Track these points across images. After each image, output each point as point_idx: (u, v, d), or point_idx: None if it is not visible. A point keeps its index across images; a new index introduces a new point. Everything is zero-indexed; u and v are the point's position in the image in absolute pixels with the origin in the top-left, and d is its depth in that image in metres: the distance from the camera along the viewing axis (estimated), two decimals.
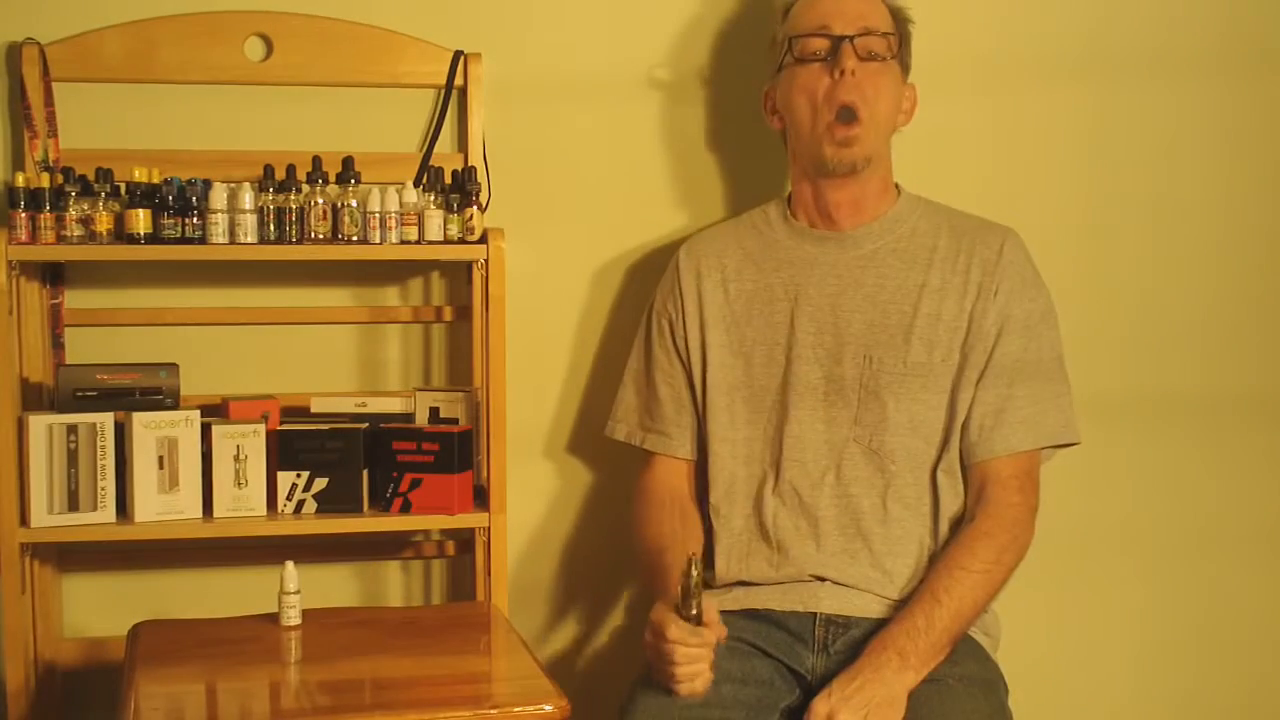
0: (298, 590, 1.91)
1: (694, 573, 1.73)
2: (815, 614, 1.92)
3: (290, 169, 2.04)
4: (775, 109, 2.05)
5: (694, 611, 1.75)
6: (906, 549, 1.94)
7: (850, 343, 1.97)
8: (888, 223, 2.00)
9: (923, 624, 1.83)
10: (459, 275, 2.23)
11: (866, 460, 1.96)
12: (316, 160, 2.05)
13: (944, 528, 1.96)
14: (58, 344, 2.11)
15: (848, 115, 1.94)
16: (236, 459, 2.02)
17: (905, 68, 2.04)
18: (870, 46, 1.96)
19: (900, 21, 2.03)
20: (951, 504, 1.96)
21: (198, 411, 2.03)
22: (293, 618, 1.91)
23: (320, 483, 2.05)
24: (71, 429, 1.97)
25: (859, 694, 1.77)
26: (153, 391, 2.02)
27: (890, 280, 1.97)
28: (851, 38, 1.95)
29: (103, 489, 1.99)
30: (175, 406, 2.02)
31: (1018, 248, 1.99)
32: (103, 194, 2.00)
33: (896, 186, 2.05)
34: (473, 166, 2.14)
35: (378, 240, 2.04)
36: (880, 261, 1.99)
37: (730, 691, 1.84)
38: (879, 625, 1.87)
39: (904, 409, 1.95)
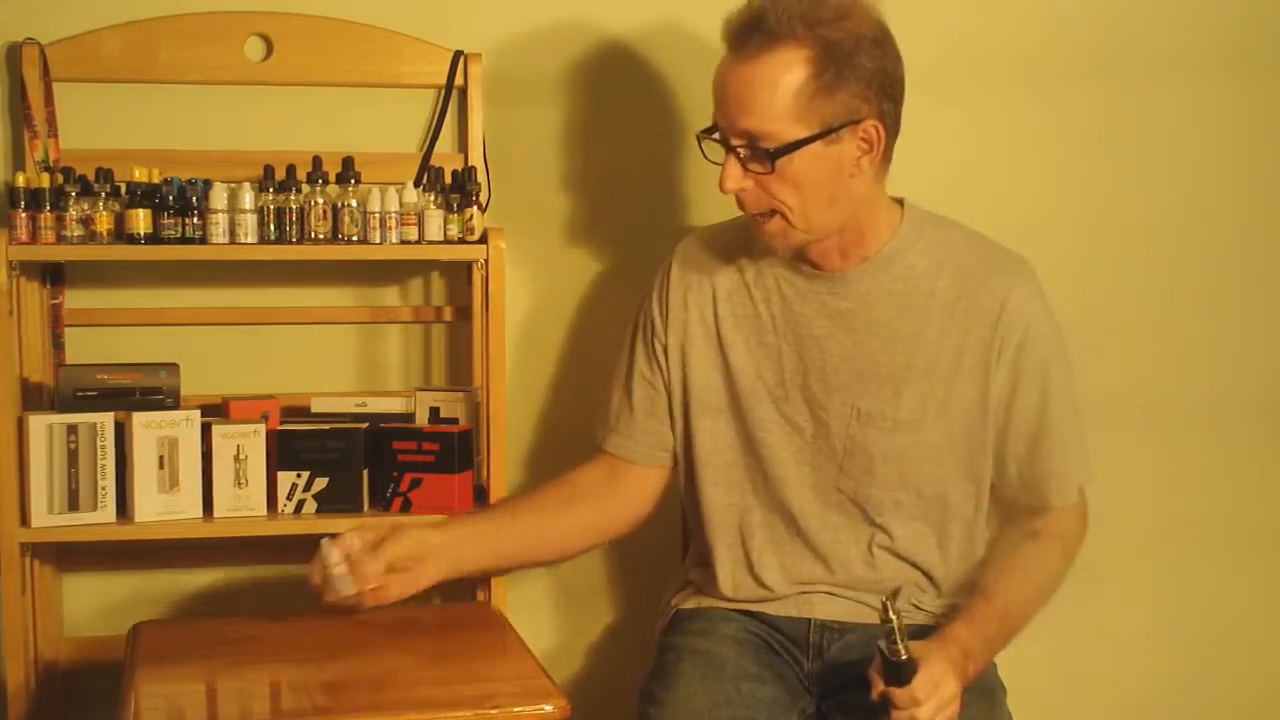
0: (341, 561, 1.85)
1: (893, 617, 1.64)
2: (810, 619, 1.92)
3: (290, 169, 2.04)
4: None
5: (904, 657, 1.66)
6: (900, 579, 1.91)
7: (838, 390, 1.87)
8: (882, 261, 1.86)
9: (994, 632, 1.80)
10: (459, 275, 2.23)
11: (854, 509, 1.90)
12: (316, 160, 2.05)
13: (951, 570, 1.93)
14: (58, 344, 2.11)
15: (757, 221, 1.81)
16: (237, 459, 2.02)
17: (842, 121, 1.74)
18: (754, 155, 1.75)
19: (823, 70, 1.72)
20: (964, 550, 1.92)
21: (198, 411, 2.03)
22: (346, 586, 1.84)
23: (320, 483, 2.05)
24: (71, 429, 1.97)
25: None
26: (153, 391, 2.02)
27: (882, 326, 1.85)
28: (734, 147, 1.76)
29: (103, 489, 1.99)
30: (175, 406, 2.02)
31: (1024, 296, 1.86)
32: (103, 194, 2.00)
33: (901, 204, 1.90)
34: (473, 166, 2.14)
35: (378, 240, 2.04)
36: (872, 305, 1.86)
37: (750, 689, 1.83)
38: (874, 630, 1.85)
39: (893, 465, 1.86)
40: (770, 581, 1.93)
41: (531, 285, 2.25)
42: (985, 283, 1.86)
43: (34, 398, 2.07)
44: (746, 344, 1.92)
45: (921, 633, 1.80)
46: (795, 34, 1.72)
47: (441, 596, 2.31)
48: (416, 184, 2.11)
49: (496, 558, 1.98)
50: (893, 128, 1.80)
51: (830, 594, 1.92)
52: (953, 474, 1.90)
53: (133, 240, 1.99)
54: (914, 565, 1.92)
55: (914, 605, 1.92)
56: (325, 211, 2.04)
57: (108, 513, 2.00)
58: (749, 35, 1.74)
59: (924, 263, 1.87)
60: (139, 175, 2.00)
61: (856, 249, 1.87)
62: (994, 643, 1.81)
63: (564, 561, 2.12)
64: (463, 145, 2.21)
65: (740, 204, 1.82)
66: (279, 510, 2.05)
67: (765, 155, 1.75)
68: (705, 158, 1.85)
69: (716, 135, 1.81)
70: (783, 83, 1.72)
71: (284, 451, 2.05)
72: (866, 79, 1.75)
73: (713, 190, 2.28)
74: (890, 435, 1.87)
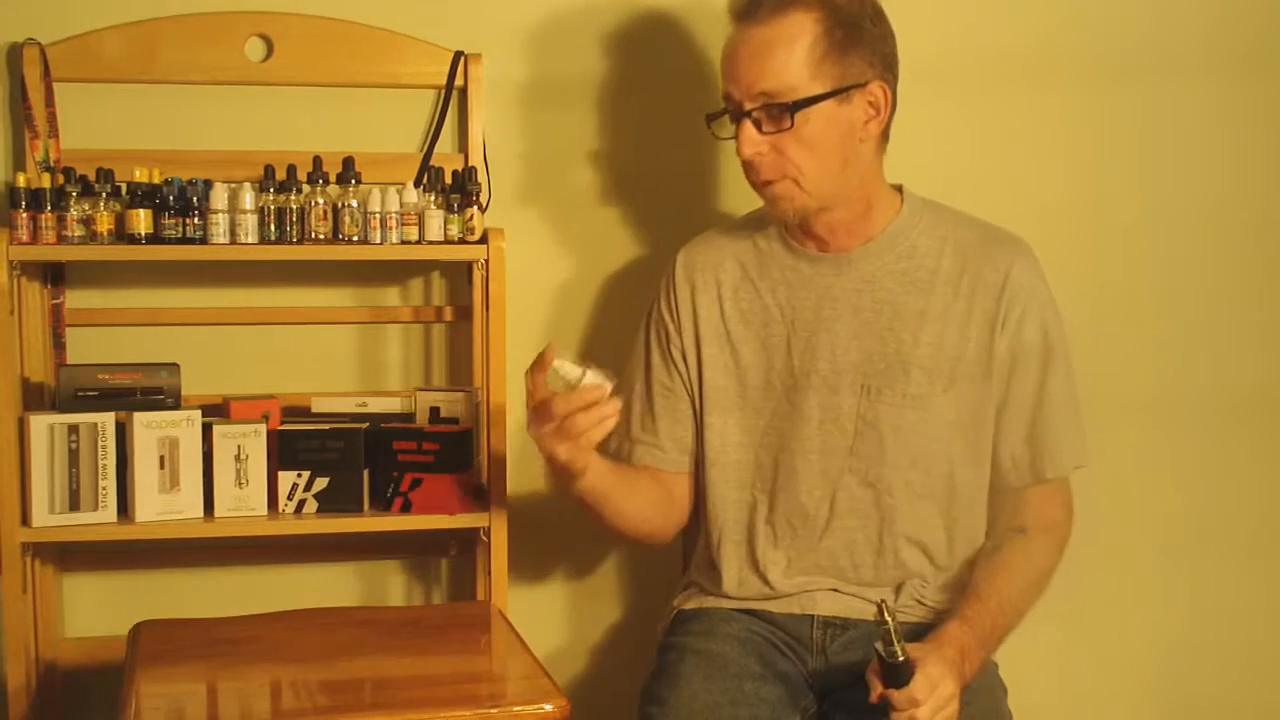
0: (580, 375, 1.74)
1: (889, 619, 1.65)
2: (813, 616, 1.92)
3: (291, 169, 2.04)
4: None
5: (901, 658, 1.66)
6: (901, 576, 1.92)
7: (847, 372, 1.90)
8: (885, 241, 1.91)
9: (988, 630, 1.81)
10: (459, 275, 2.23)
11: (864, 493, 1.91)
12: (317, 160, 2.05)
13: (957, 555, 1.94)
14: (59, 344, 2.11)
15: (767, 186, 1.86)
16: (237, 459, 2.03)
17: (851, 82, 1.82)
18: (771, 115, 1.81)
19: (834, 34, 1.81)
20: (967, 534, 1.93)
21: (199, 411, 2.03)
22: (605, 383, 1.74)
23: (321, 482, 2.05)
24: (73, 429, 1.97)
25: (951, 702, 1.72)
26: (154, 391, 2.02)
27: (888, 306, 1.89)
28: (748, 113, 1.81)
29: (104, 489, 1.99)
30: (176, 406, 2.02)
31: (1025, 268, 1.91)
32: (104, 194, 2.00)
33: (900, 192, 1.95)
34: (473, 167, 2.14)
35: (378, 240, 2.04)
36: (878, 285, 1.90)
37: (753, 688, 1.83)
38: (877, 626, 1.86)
39: (903, 441, 1.89)
40: (774, 579, 1.94)
41: (532, 285, 2.25)
42: (988, 257, 1.91)
43: (35, 398, 2.07)
44: (756, 337, 1.95)
45: (922, 630, 1.82)
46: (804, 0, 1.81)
47: (442, 596, 2.32)
48: (417, 184, 2.11)
49: (606, 485, 1.88)
50: (893, 99, 1.88)
51: (834, 590, 1.93)
52: (960, 453, 1.92)
53: (133, 240, 2.00)
54: (921, 549, 1.93)
55: (917, 600, 1.93)
56: (325, 212, 2.04)
57: (108, 513, 2.00)
58: (760, 2, 1.81)
59: (927, 241, 1.92)
60: (139, 175, 2.00)
61: (862, 226, 1.91)
62: (989, 641, 1.82)
63: (631, 536, 2.02)
64: (463, 145, 2.21)
65: (755, 171, 1.85)
66: (280, 510, 2.05)
67: (785, 111, 1.80)
68: (717, 137, 1.91)
69: (727, 113, 1.86)
70: (798, 42, 1.80)
71: (284, 451, 2.05)
72: (871, 45, 1.84)
73: (714, 189, 2.30)
74: (900, 411, 1.89)
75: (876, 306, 1.90)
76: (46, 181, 1.99)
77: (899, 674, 1.68)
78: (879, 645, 1.67)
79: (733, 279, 1.97)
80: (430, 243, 2.07)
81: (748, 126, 1.83)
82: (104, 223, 2.00)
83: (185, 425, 2.01)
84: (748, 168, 1.86)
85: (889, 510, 1.91)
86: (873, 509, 1.91)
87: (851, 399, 1.90)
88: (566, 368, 1.74)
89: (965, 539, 1.94)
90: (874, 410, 1.90)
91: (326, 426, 2.06)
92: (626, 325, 2.24)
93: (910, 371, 1.89)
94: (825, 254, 1.93)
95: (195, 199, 2.00)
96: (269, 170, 2.04)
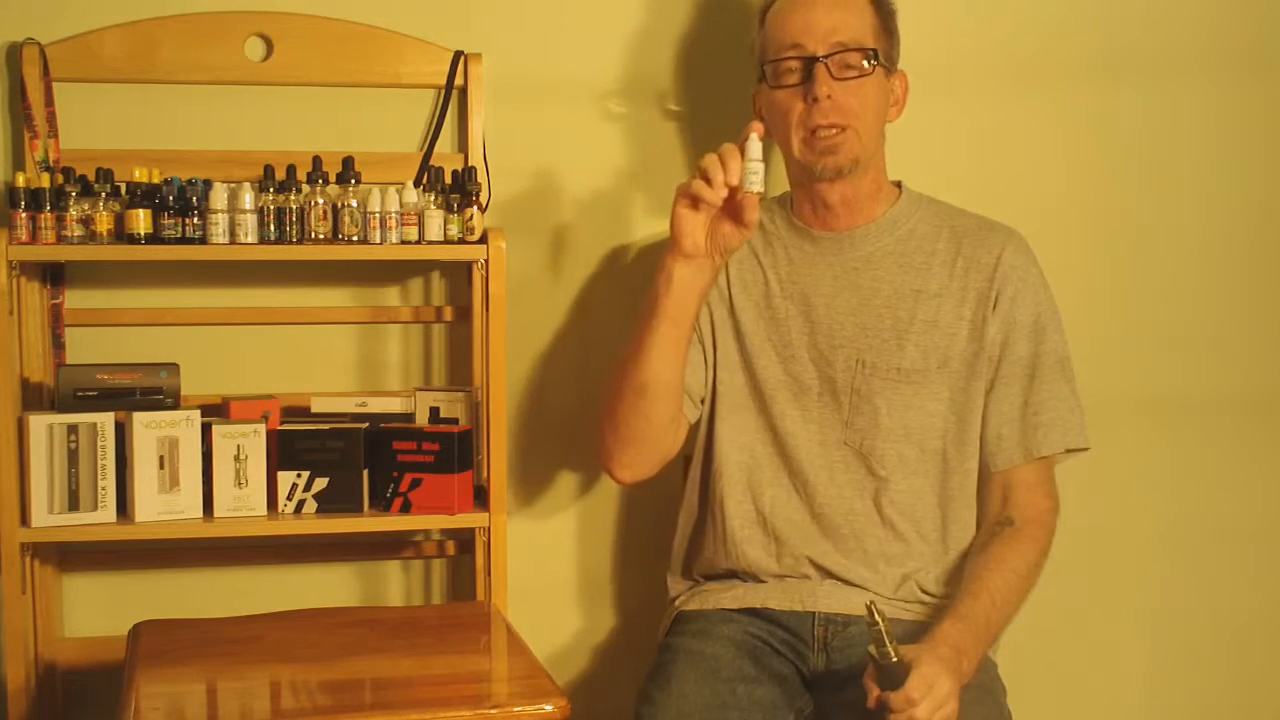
0: (755, 158, 1.86)
1: (879, 620, 1.67)
2: (814, 613, 1.93)
3: (290, 169, 2.04)
4: (763, 116, 2.02)
5: (895, 659, 1.68)
6: (901, 551, 1.95)
7: (843, 345, 1.96)
8: (885, 224, 1.99)
9: (982, 626, 1.83)
10: (459, 275, 2.23)
11: (858, 464, 1.96)
12: (317, 160, 2.05)
13: (952, 537, 1.96)
14: (58, 344, 2.11)
15: (831, 134, 1.92)
16: (237, 459, 2.03)
17: (892, 63, 1.99)
18: (847, 61, 1.92)
19: (884, 16, 1.98)
20: (961, 515, 1.96)
21: (198, 411, 2.03)
22: (758, 183, 1.85)
23: (320, 482, 2.05)
24: (72, 429, 1.97)
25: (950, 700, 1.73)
26: (153, 391, 2.02)
27: (886, 283, 1.96)
28: (825, 57, 1.91)
29: (103, 489, 1.99)
30: (176, 406, 2.02)
31: (1018, 251, 1.97)
32: (103, 194, 2.00)
33: (898, 185, 2.03)
34: (473, 167, 2.14)
35: (378, 240, 2.04)
36: (877, 264, 1.98)
37: (745, 691, 1.84)
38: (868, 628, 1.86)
39: (897, 415, 1.94)
40: (783, 534, 1.96)
41: (531, 285, 2.25)
42: (982, 241, 1.98)
43: (34, 398, 2.07)
44: (756, 308, 2.01)
45: (924, 628, 1.83)
46: None
47: (442, 596, 2.32)
48: (416, 184, 2.11)
49: (681, 304, 1.92)
50: None
51: (835, 580, 1.94)
52: (953, 431, 1.95)
53: (133, 240, 2.00)
54: (916, 527, 1.95)
55: (918, 595, 1.94)
56: (325, 211, 2.04)
57: (108, 513, 2.00)
58: None
59: (924, 228, 2.00)
60: (139, 175, 2.00)
61: (868, 206, 2.00)
62: (985, 638, 1.84)
63: (635, 420, 1.98)
64: (463, 145, 2.21)
65: (823, 113, 1.91)
66: (279, 510, 2.05)
67: (863, 55, 1.93)
68: (771, 87, 1.96)
69: (781, 66, 1.94)
70: (865, 10, 1.96)
71: (284, 451, 2.05)
72: (898, 41, 2.00)
73: None
74: (895, 386, 1.94)
75: (875, 284, 1.97)
76: (46, 181, 1.99)
77: (894, 675, 1.68)
78: (872, 648, 1.69)
79: (740, 254, 2.03)
80: (430, 243, 2.07)
81: (823, 70, 1.91)
82: (103, 223, 2.00)
83: (185, 425, 2.01)
84: (816, 112, 1.91)
85: (884, 483, 1.95)
86: (868, 479, 1.95)
87: (846, 374, 1.96)
88: (754, 145, 1.85)
89: (961, 523, 1.97)
90: (868, 384, 1.95)
91: (326, 426, 2.06)
92: (626, 323, 2.24)
93: (905, 348, 1.95)
94: (828, 233, 1.99)
95: (195, 199, 2.00)
96: (269, 170, 2.04)
